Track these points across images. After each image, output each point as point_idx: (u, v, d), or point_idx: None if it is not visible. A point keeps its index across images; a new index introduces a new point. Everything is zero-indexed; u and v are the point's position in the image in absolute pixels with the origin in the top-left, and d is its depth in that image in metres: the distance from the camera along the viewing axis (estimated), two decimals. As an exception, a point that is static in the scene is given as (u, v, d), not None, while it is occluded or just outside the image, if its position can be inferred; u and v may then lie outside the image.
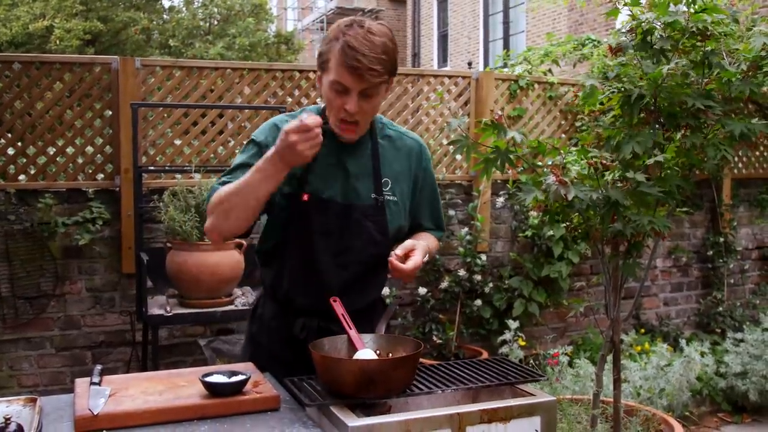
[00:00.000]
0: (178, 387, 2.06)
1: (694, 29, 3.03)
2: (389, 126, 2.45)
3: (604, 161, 3.06)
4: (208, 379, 2.00)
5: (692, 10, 3.03)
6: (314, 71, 5.64)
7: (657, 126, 3.22)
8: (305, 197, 2.27)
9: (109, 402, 1.92)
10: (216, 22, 19.54)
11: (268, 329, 2.45)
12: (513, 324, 5.29)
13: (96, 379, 2.04)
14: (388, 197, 2.35)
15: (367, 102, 2.19)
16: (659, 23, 3.08)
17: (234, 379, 2.01)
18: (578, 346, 6.14)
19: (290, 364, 2.22)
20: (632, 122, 3.24)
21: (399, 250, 2.18)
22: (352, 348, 2.12)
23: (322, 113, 2.33)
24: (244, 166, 2.22)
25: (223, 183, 2.23)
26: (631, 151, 3.05)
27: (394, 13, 23.02)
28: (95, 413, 1.84)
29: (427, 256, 2.28)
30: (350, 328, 2.16)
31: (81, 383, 2.05)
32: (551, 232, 5.81)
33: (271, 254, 2.41)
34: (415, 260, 2.17)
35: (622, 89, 3.15)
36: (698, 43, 3.09)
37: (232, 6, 19.30)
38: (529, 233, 5.97)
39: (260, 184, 2.09)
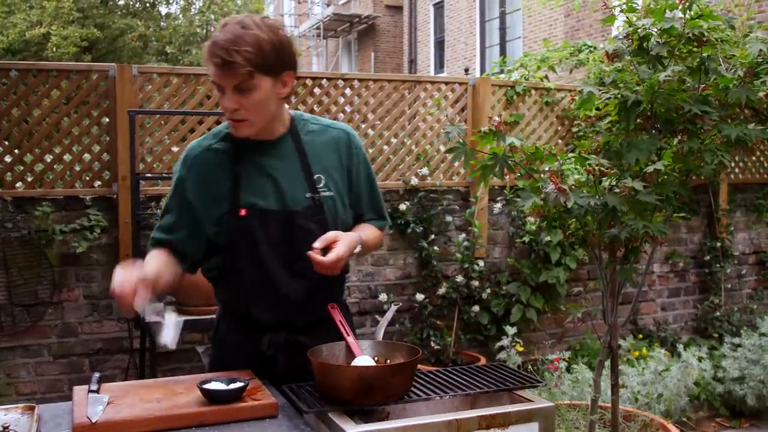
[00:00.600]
0: (176, 394, 2.06)
1: (690, 35, 3.04)
2: (312, 121, 2.38)
3: (602, 168, 3.07)
4: (207, 386, 2.00)
5: (688, 17, 3.04)
6: (311, 77, 5.68)
7: (654, 132, 3.23)
8: (243, 212, 2.22)
9: (108, 410, 1.92)
10: (213, 29, 19.56)
11: (233, 348, 2.37)
12: (511, 330, 5.29)
13: (94, 387, 2.04)
14: (324, 193, 2.29)
15: (246, 98, 2.13)
16: (655, 29, 3.09)
17: (232, 386, 2.01)
18: (576, 352, 6.14)
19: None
20: (629, 128, 3.25)
21: (318, 243, 2.12)
22: (350, 355, 2.12)
23: None
24: (169, 210, 2.33)
25: (157, 240, 2.31)
26: (635, 159, 3.05)
27: (390, 20, 23.06)
28: (93, 421, 1.84)
29: (359, 247, 2.23)
30: (348, 335, 2.17)
31: (79, 391, 2.05)
32: (548, 238, 5.82)
33: (221, 276, 2.35)
34: (338, 251, 2.12)
35: (619, 95, 3.15)
36: (694, 49, 3.10)
37: (229, 13, 19.34)
38: (526, 239, 5.98)
39: None
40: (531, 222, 5.88)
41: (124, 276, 1.99)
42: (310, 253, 2.11)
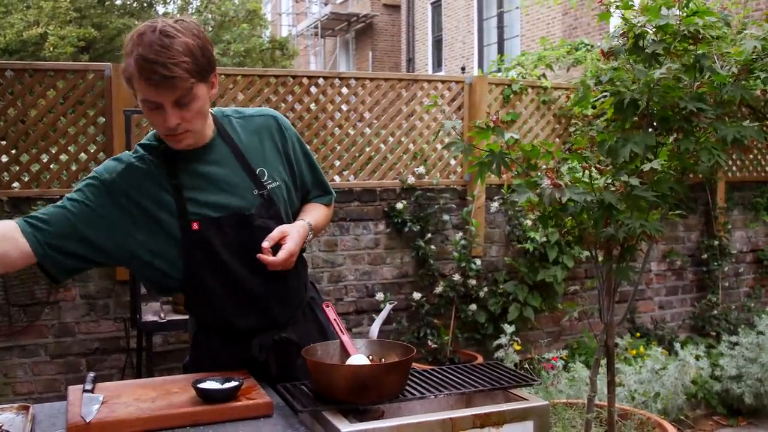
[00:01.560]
0: (171, 394, 2.06)
1: (685, 32, 3.03)
2: (234, 115, 2.28)
3: (599, 165, 3.07)
4: (201, 385, 2.00)
5: (684, 14, 3.04)
6: (307, 76, 5.67)
7: (650, 130, 3.23)
8: (195, 226, 2.11)
9: (102, 409, 1.92)
10: (210, 29, 19.58)
11: (218, 361, 2.26)
12: (508, 328, 5.29)
13: (89, 387, 2.04)
14: (271, 185, 2.21)
15: (187, 110, 2.01)
16: (651, 27, 3.09)
17: (227, 385, 2.00)
18: (573, 350, 6.14)
19: None
20: (625, 126, 3.25)
21: (267, 242, 2.08)
22: (345, 353, 2.11)
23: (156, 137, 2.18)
24: (71, 199, 2.11)
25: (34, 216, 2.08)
26: (630, 152, 3.05)
27: (388, 18, 23.07)
28: (88, 421, 1.84)
29: (310, 234, 2.22)
30: (342, 333, 2.16)
31: (74, 391, 2.04)
32: (545, 238, 5.82)
33: (188, 296, 2.26)
34: (288, 248, 2.09)
35: (615, 93, 3.15)
36: (690, 47, 3.10)
37: (226, 12, 19.35)
38: (528, 247, 5.97)
39: None
40: (528, 226, 5.89)
41: None
42: (260, 255, 2.07)
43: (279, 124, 2.30)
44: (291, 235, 2.13)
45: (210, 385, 2.00)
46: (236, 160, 2.20)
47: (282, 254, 2.09)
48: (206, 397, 1.97)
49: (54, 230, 2.07)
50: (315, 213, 2.36)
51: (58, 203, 2.12)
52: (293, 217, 2.30)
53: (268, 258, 2.08)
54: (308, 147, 2.45)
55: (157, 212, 2.12)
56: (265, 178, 2.21)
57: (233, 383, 2.01)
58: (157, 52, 1.91)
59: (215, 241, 2.13)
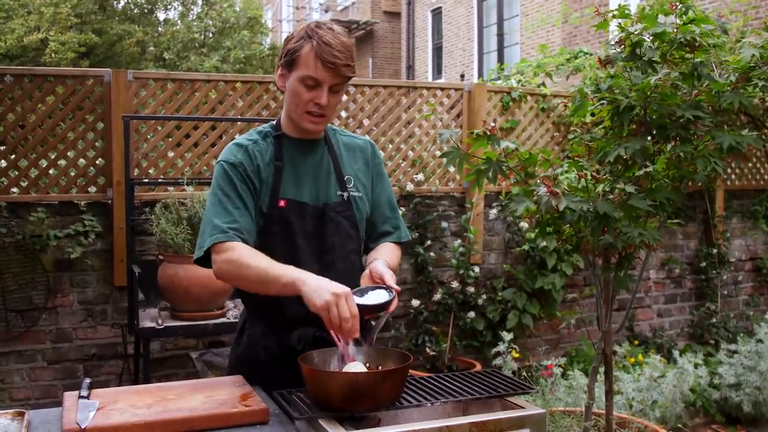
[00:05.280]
0: (166, 400, 2.06)
1: (682, 40, 3.04)
2: (340, 132, 2.59)
3: (595, 173, 3.07)
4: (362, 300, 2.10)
5: (681, 22, 3.04)
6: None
7: (648, 137, 3.23)
8: (282, 203, 2.37)
9: (98, 415, 1.91)
10: (211, 35, 19.60)
11: (260, 349, 2.43)
12: (507, 336, 5.28)
13: (84, 393, 2.03)
14: (353, 193, 2.47)
15: (334, 97, 2.34)
16: (648, 35, 3.10)
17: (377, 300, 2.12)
18: (572, 358, 6.13)
19: (283, 382, 2.18)
20: (622, 133, 3.25)
21: (367, 280, 2.25)
22: (342, 361, 2.11)
23: (277, 124, 2.48)
24: (235, 195, 2.32)
25: (229, 229, 2.27)
26: (617, 156, 3.06)
27: (388, 26, 23.09)
28: (83, 427, 1.83)
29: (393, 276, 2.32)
30: (339, 341, 2.16)
31: (69, 397, 2.04)
32: (544, 243, 5.82)
33: None
34: (394, 280, 2.24)
35: (612, 100, 3.15)
36: (687, 55, 3.11)
37: (227, 19, 19.36)
38: (526, 247, 5.97)
39: (272, 289, 2.18)
40: (527, 232, 5.88)
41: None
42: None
43: (374, 151, 2.60)
44: (387, 273, 2.26)
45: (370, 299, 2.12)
46: (331, 162, 2.47)
47: (394, 285, 2.22)
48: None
49: (248, 228, 2.32)
50: (392, 254, 2.50)
51: (232, 203, 2.32)
52: (365, 232, 2.52)
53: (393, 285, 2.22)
54: (392, 187, 2.74)
55: (259, 185, 2.37)
56: (351, 185, 2.48)
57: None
58: (336, 41, 2.27)
59: (294, 222, 2.37)
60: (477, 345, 5.94)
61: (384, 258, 2.39)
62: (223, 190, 2.33)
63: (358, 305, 2.04)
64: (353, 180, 2.48)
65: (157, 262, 4.48)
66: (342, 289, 2.02)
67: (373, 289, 2.18)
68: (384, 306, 2.13)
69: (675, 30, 3.03)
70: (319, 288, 2.03)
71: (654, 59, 3.07)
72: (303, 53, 2.28)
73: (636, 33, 3.11)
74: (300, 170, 2.43)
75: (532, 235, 5.86)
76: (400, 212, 5.53)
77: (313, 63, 2.26)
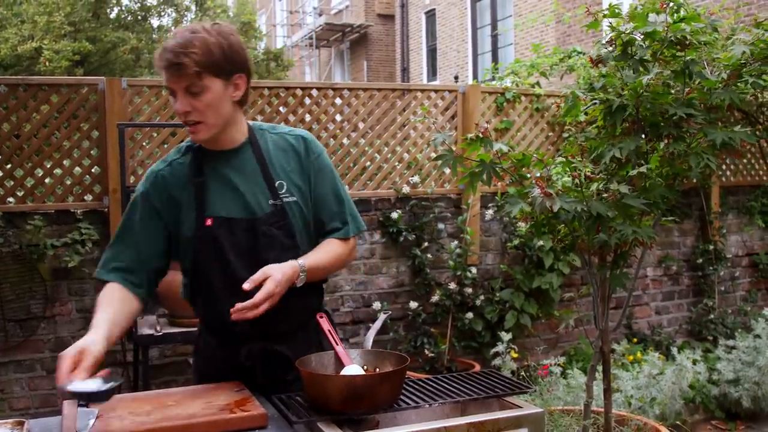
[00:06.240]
0: (165, 407, 2.06)
1: (672, 39, 3.05)
2: (270, 130, 2.42)
3: (588, 173, 3.08)
4: (73, 387, 1.87)
5: (671, 20, 3.06)
6: (301, 88, 5.69)
7: (641, 136, 3.24)
8: (209, 222, 2.27)
9: (97, 423, 1.92)
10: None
11: (213, 361, 2.40)
12: (505, 336, 5.29)
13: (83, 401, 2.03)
14: (287, 199, 2.31)
15: (198, 100, 2.18)
16: (639, 34, 3.11)
17: (103, 387, 1.88)
18: (571, 357, 6.14)
19: None
20: (615, 132, 3.26)
21: (247, 284, 2.13)
22: (340, 364, 2.12)
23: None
24: (136, 227, 2.32)
25: (108, 262, 2.31)
26: (613, 157, 3.07)
27: (382, 28, 23.10)
28: (82, 435, 1.84)
29: (301, 275, 2.23)
30: (337, 344, 2.17)
31: (68, 405, 2.04)
32: (541, 243, 5.83)
33: (194, 292, 2.38)
34: (266, 289, 2.13)
35: (604, 99, 3.17)
36: (678, 53, 3.12)
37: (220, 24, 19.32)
38: (516, 242, 5.98)
39: None
40: (521, 228, 5.89)
41: (73, 365, 1.94)
42: (232, 309, 2.12)
43: (308, 146, 2.40)
44: (272, 276, 2.16)
45: (84, 386, 1.88)
46: (259, 169, 2.32)
47: (259, 296, 2.12)
48: (81, 398, 1.85)
49: (136, 265, 2.31)
50: (321, 252, 2.36)
51: (128, 237, 2.33)
52: (312, 236, 2.38)
53: (238, 306, 2.12)
54: (339, 177, 2.49)
55: (178, 210, 2.30)
56: (283, 190, 2.31)
57: (111, 384, 1.89)
58: (175, 43, 2.15)
59: (224, 241, 2.26)
60: (476, 346, 5.95)
61: (311, 257, 2.30)
62: (125, 222, 2.34)
63: (71, 391, 1.86)
64: (286, 184, 2.32)
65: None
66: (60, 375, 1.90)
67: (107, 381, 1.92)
68: (98, 396, 1.88)
69: (666, 29, 3.04)
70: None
71: (645, 58, 3.09)
72: (156, 64, 2.21)
73: (627, 32, 3.12)
74: (225, 183, 2.30)
75: (523, 231, 5.87)
76: (397, 214, 5.59)
77: (160, 72, 2.19)
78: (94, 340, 2.02)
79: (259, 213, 2.28)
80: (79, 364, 1.92)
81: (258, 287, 2.13)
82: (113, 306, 2.20)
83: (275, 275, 2.16)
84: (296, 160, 2.37)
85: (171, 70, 2.15)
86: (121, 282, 2.27)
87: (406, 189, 5.80)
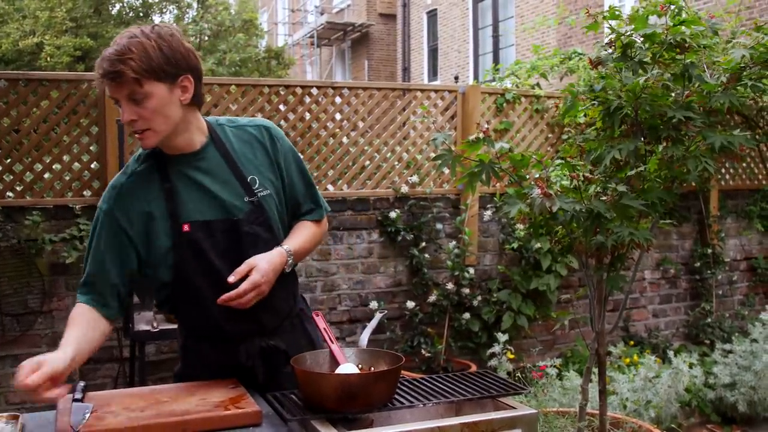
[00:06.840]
0: (160, 403, 2.07)
1: (672, 41, 3.05)
2: (228, 124, 2.35)
3: (587, 174, 3.08)
4: None
5: (671, 23, 3.06)
6: (301, 86, 5.69)
7: (640, 138, 3.24)
8: (186, 227, 2.21)
9: (91, 419, 1.92)
10: (206, 38, 19.62)
11: (208, 367, 2.34)
12: (502, 337, 5.29)
13: (78, 396, 2.04)
14: (262, 193, 2.28)
15: (142, 107, 2.10)
16: (638, 36, 3.11)
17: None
18: (567, 359, 6.14)
19: None
20: (614, 134, 3.26)
21: (232, 277, 2.13)
22: (334, 362, 2.12)
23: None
24: (103, 247, 2.24)
25: (82, 283, 2.26)
26: (613, 159, 3.07)
27: (384, 28, 23.12)
28: (77, 430, 1.84)
29: (290, 259, 2.25)
30: (332, 342, 2.17)
31: (63, 400, 2.04)
32: (538, 245, 5.83)
33: (179, 302, 2.33)
34: (251, 280, 2.14)
35: (604, 101, 3.17)
36: (678, 56, 3.12)
37: (222, 22, 19.38)
38: (515, 245, 5.98)
39: None
40: (520, 229, 5.90)
41: (31, 370, 1.96)
42: (221, 298, 2.13)
43: (271, 135, 2.35)
44: (257, 267, 2.16)
45: None
46: (228, 167, 2.26)
47: (244, 285, 2.13)
48: None
49: (104, 286, 2.23)
50: (300, 235, 2.37)
51: (97, 255, 2.25)
52: (286, 226, 2.36)
53: (224, 296, 2.12)
54: (302, 159, 2.47)
55: (148, 221, 2.22)
56: (257, 185, 2.27)
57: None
58: (112, 51, 2.07)
59: (205, 244, 2.21)
60: (472, 346, 5.95)
61: (292, 241, 2.31)
62: (90, 241, 2.27)
63: None
64: (258, 179, 2.28)
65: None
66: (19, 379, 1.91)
67: None
68: None
69: (665, 31, 3.05)
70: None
71: (644, 60, 3.09)
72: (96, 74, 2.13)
73: (627, 34, 3.12)
74: (195, 186, 2.24)
75: (522, 233, 5.88)
76: (395, 214, 5.59)
77: (102, 82, 2.11)
78: (58, 357, 2.02)
79: (236, 212, 2.24)
80: (36, 371, 1.94)
81: (243, 279, 2.13)
82: (81, 328, 2.16)
83: (260, 265, 2.16)
84: (263, 152, 2.33)
85: (110, 79, 2.07)
86: (89, 303, 2.22)
87: (404, 189, 5.80)
